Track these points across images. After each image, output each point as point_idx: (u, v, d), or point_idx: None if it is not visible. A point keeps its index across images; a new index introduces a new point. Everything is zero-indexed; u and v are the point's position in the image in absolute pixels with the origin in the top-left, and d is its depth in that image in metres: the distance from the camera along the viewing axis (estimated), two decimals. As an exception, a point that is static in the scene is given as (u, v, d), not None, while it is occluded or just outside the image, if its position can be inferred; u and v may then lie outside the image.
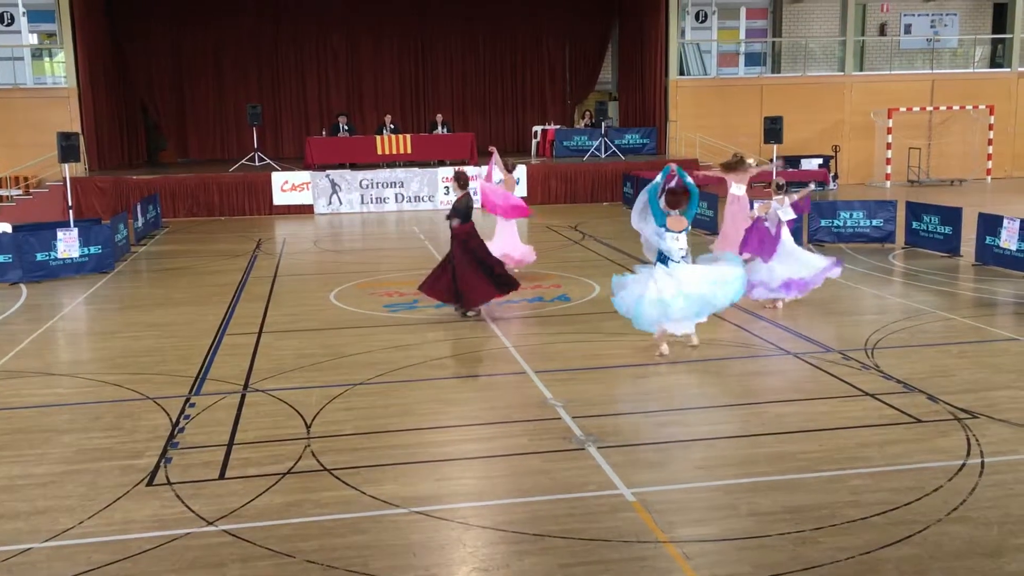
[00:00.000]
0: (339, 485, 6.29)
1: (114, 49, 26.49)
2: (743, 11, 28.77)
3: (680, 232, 8.92)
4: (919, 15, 29.14)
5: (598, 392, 8.24)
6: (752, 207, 12.16)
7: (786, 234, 11.30)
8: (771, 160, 18.55)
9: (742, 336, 10.08)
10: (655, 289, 8.92)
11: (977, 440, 6.86)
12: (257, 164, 24.09)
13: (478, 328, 10.71)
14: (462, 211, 10.91)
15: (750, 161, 14.32)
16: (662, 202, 8.99)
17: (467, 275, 10.80)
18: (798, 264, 11.16)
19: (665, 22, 26.23)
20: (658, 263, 9.08)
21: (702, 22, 28.43)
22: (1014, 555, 5.19)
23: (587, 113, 28.08)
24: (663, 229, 8.93)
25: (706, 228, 17.34)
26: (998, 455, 6.58)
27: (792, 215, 11.28)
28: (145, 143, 28.50)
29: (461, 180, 11.03)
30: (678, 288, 8.87)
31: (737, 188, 13.69)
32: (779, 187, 11.46)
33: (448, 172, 23.04)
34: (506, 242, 13.10)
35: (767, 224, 11.15)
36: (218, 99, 28.13)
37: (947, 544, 5.30)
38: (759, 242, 11.24)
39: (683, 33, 27.62)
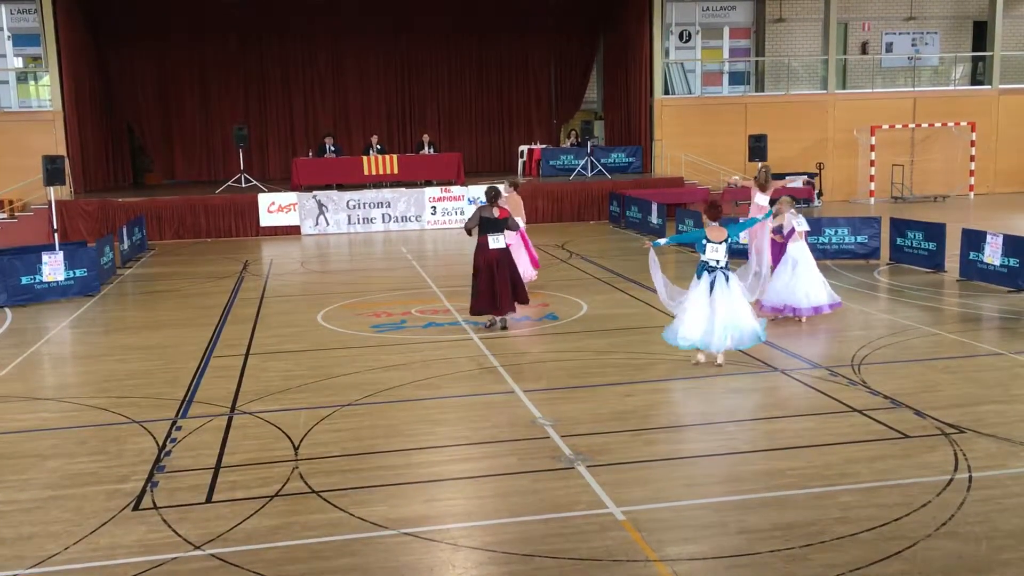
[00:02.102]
0: (327, 507, 6.26)
1: (100, 71, 26.48)
2: (726, 31, 29.04)
3: (720, 243, 9.39)
4: (900, 34, 29.47)
5: (587, 411, 8.24)
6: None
7: (800, 251, 11.45)
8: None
9: (729, 353, 10.09)
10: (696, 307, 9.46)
11: (964, 455, 6.89)
12: (243, 185, 24.09)
13: (466, 348, 10.70)
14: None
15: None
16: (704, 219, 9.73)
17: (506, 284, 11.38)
18: (794, 290, 11.36)
19: (649, 42, 26.44)
20: (696, 276, 9.57)
21: (686, 42, 28.67)
22: (1002, 570, 5.20)
23: (573, 132, 28.22)
24: (704, 240, 9.43)
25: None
26: (985, 470, 6.60)
27: (806, 225, 11.58)
28: (131, 165, 28.46)
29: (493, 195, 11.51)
30: (707, 307, 9.39)
31: (761, 199, 14.12)
32: (795, 200, 11.99)
33: (435, 192, 23.11)
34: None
35: (780, 233, 11.51)
36: (204, 121, 28.13)
37: (936, 560, 5.31)
38: (775, 251, 11.64)
39: (667, 53, 27.84)
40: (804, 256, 11.45)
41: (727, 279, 9.42)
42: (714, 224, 9.50)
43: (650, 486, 6.51)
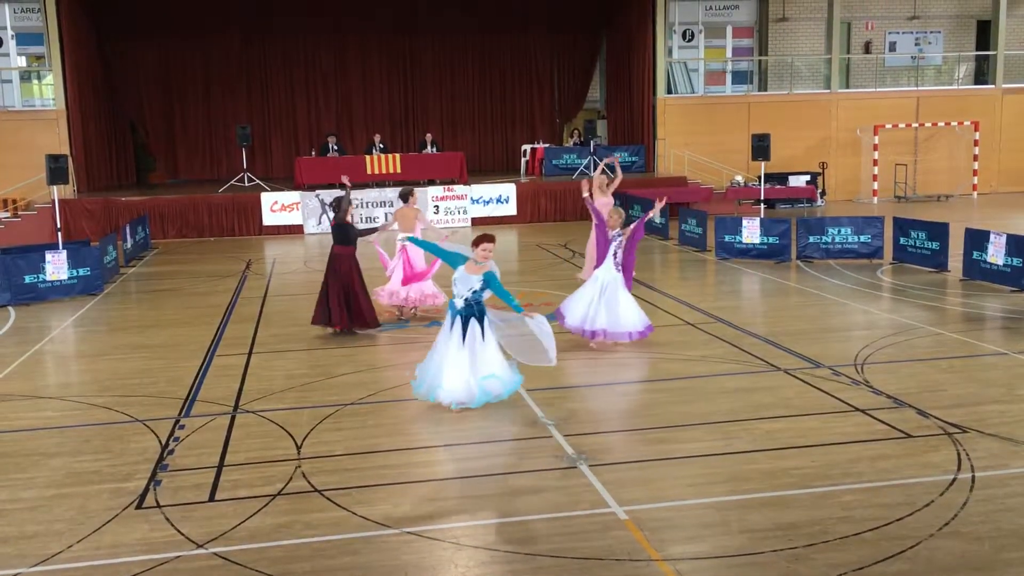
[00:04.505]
0: (330, 506, 6.27)
1: (103, 70, 26.51)
2: (729, 30, 29.01)
3: (475, 276, 8.12)
4: (903, 33, 29.42)
5: (589, 410, 8.24)
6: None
7: (608, 275, 10.40)
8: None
9: (732, 352, 10.10)
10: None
11: (967, 455, 6.88)
12: (246, 184, 24.10)
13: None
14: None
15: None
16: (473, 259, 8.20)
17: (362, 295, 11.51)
18: (595, 316, 10.25)
19: (652, 41, 26.41)
20: (485, 318, 8.24)
21: (689, 41, 28.65)
22: (1005, 570, 5.19)
23: (576, 131, 28.20)
24: (460, 267, 8.20)
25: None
26: (988, 470, 6.60)
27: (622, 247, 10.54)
28: (134, 164, 28.48)
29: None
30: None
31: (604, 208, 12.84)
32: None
33: (438, 191, 23.11)
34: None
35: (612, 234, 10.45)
36: (207, 120, 28.15)
37: (939, 559, 5.31)
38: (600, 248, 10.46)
39: (670, 52, 27.82)
40: (614, 281, 10.37)
41: (480, 321, 8.14)
42: (484, 262, 8.06)
43: (652, 485, 6.51)
